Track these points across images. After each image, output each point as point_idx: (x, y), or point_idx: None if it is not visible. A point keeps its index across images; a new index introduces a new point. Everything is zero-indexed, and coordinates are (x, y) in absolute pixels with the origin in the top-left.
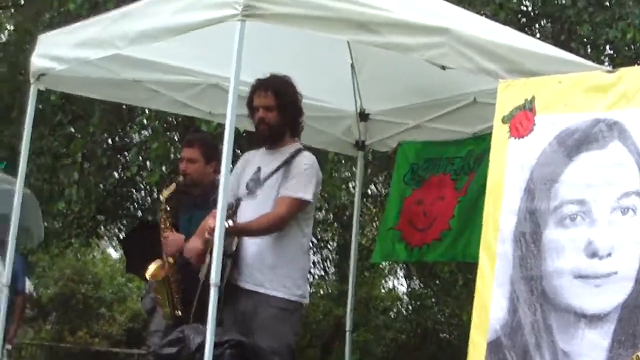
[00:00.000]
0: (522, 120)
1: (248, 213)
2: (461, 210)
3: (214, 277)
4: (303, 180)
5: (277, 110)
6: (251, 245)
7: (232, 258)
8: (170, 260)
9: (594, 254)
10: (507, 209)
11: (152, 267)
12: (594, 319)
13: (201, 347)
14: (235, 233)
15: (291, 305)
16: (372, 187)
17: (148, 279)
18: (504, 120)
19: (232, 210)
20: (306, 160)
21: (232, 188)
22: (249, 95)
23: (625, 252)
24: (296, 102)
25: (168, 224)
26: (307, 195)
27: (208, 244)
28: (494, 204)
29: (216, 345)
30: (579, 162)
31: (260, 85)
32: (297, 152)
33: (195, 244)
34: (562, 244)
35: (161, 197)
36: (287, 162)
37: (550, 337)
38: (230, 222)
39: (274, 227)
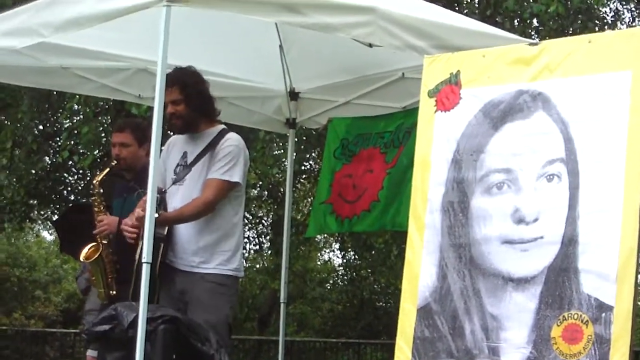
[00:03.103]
0: (448, 94)
1: (178, 198)
2: (390, 182)
3: (145, 255)
4: (229, 162)
5: (184, 104)
6: (183, 228)
7: (164, 242)
8: (105, 241)
9: (520, 220)
10: (435, 180)
11: (85, 249)
12: (521, 282)
13: (134, 323)
14: (165, 223)
15: (226, 280)
16: (307, 163)
17: (82, 261)
18: (430, 95)
19: (158, 204)
20: (231, 141)
21: (160, 172)
22: None
23: (551, 217)
24: (203, 91)
25: (102, 208)
26: (234, 177)
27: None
28: (422, 176)
29: (149, 321)
30: (504, 132)
31: (166, 82)
32: (222, 134)
33: (132, 220)
34: (490, 212)
35: (94, 181)
36: (212, 145)
37: (479, 301)
38: (157, 215)
39: (202, 211)
